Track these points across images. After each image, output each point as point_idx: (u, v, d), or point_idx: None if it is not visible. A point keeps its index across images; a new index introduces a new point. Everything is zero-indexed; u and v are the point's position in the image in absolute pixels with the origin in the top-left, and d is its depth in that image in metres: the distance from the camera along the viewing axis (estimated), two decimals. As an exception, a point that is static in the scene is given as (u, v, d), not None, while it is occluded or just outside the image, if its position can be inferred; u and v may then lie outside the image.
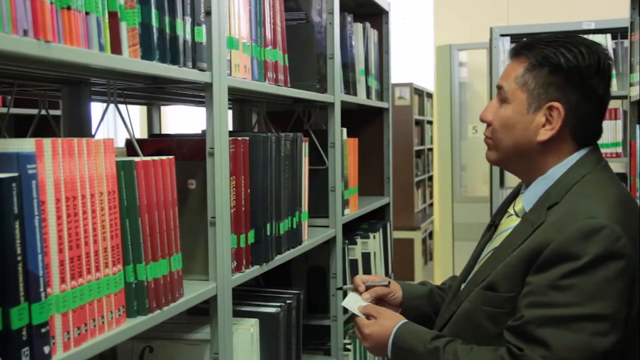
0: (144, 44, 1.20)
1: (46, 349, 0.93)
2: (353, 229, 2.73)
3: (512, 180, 3.85)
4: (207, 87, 1.44)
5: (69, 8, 0.99)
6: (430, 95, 7.74)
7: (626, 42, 3.34)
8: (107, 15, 1.10)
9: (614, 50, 3.65)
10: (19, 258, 0.87)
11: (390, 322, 1.50)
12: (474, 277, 1.47)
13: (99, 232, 1.07)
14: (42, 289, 0.92)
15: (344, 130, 2.38)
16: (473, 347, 1.36)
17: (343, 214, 2.36)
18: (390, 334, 1.47)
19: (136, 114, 4.87)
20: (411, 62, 7.80)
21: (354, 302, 1.62)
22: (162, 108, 2.50)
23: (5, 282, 0.85)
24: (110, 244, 1.11)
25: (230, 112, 2.34)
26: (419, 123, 7.39)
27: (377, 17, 3.05)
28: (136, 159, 1.19)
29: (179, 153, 1.47)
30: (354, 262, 2.56)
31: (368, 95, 2.77)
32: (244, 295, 1.77)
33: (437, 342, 1.39)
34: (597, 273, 1.26)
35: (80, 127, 1.48)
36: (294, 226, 1.88)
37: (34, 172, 0.91)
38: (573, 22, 3.76)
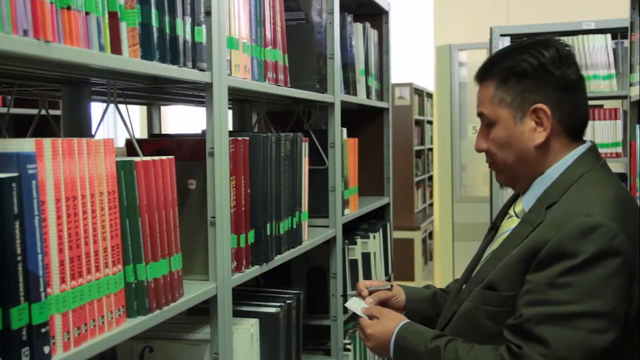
0: (144, 44, 1.20)
1: (46, 349, 0.93)
2: (353, 229, 2.73)
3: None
4: (207, 87, 1.44)
5: (69, 8, 0.99)
6: (430, 95, 7.74)
7: (626, 42, 3.34)
8: (107, 15, 1.10)
9: (614, 50, 3.65)
10: (19, 258, 0.87)
11: (393, 322, 1.51)
12: (474, 277, 1.48)
13: (99, 232, 1.07)
14: (42, 289, 0.92)
15: (344, 130, 2.38)
16: (474, 346, 1.37)
17: (343, 214, 2.36)
18: (392, 334, 1.48)
19: (136, 114, 4.87)
20: (411, 62, 7.80)
21: (357, 305, 1.63)
22: (162, 108, 2.50)
23: (5, 282, 0.85)
24: (110, 244, 1.11)
25: (230, 112, 2.34)
26: (419, 123, 7.39)
27: (377, 17, 3.05)
28: (136, 159, 1.19)
29: (179, 153, 1.47)
30: (354, 262, 2.56)
31: (368, 95, 2.77)
32: (244, 295, 1.77)
33: (438, 341, 1.40)
34: (595, 271, 1.26)
35: (80, 127, 1.48)
36: (294, 226, 1.88)
37: (34, 172, 0.91)
38: (573, 22, 3.76)
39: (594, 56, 3.64)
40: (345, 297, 2.36)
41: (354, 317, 2.47)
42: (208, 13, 1.42)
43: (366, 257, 2.67)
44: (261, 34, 1.72)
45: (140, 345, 1.52)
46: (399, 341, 1.47)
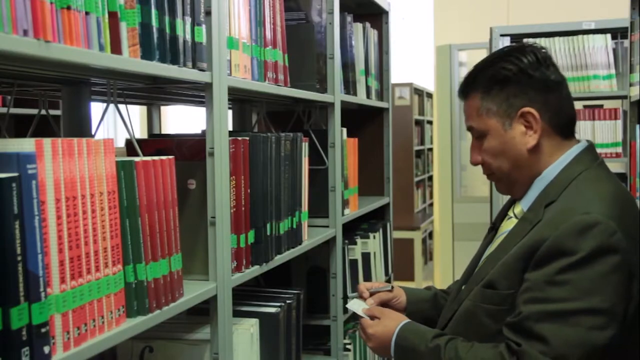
0: (144, 44, 1.20)
1: (46, 349, 0.93)
2: (353, 229, 2.73)
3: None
4: (207, 87, 1.44)
5: (69, 8, 0.99)
6: (430, 95, 7.74)
7: (626, 42, 3.34)
8: (107, 15, 1.10)
9: (614, 50, 3.65)
10: (19, 258, 0.87)
11: (393, 322, 1.51)
12: (474, 277, 1.49)
13: (99, 232, 1.07)
14: (42, 289, 0.92)
15: (344, 130, 2.38)
16: (474, 344, 1.37)
17: (343, 214, 2.36)
18: (393, 334, 1.49)
19: (136, 114, 4.87)
20: (411, 62, 7.80)
21: (358, 306, 1.64)
22: (162, 108, 2.50)
23: (5, 282, 0.85)
24: (110, 244, 1.11)
25: (230, 112, 2.34)
26: (419, 123, 7.39)
27: (377, 17, 3.05)
28: (136, 159, 1.19)
29: (179, 153, 1.47)
30: (354, 262, 2.56)
31: (368, 95, 2.77)
32: (244, 295, 1.77)
33: (439, 340, 1.40)
34: (593, 268, 1.27)
35: (80, 127, 1.48)
36: (294, 226, 1.88)
37: (34, 172, 0.91)
38: (573, 22, 3.76)
39: (594, 56, 3.64)
40: (345, 299, 2.36)
41: (354, 317, 2.47)
42: (208, 13, 1.42)
43: (366, 257, 2.67)
44: (261, 34, 1.72)
45: (140, 345, 1.52)
46: (399, 341, 1.47)
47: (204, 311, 1.48)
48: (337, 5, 2.26)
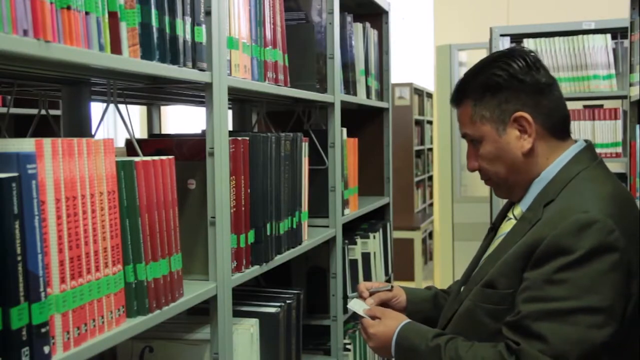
0: (144, 44, 1.20)
1: (46, 349, 0.93)
2: (353, 229, 2.73)
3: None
4: (207, 87, 1.44)
5: (69, 8, 0.99)
6: (430, 95, 7.74)
7: (626, 42, 3.34)
8: (107, 15, 1.10)
9: (614, 50, 3.65)
10: (19, 258, 0.87)
11: (394, 322, 1.52)
12: (474, 277, 1.50)
13: (99, 232, 1.07)
14: (42, 289, 0.92)
15: (344, 130, 2.38)
16: (474, 344, 1.38)
17: (343, 214, 2.36)
18: (393, 334, 1.49)
19: (136, 114, 4.87)
20: (411, 62, 7.80)
21: (359, 306, 1.64)
22: (162, 108, 2.50)
23: (5, 282, 0.85)
24: (110, 244, 1.11)
25: (230, 112, 2.34)
26: (419, 123, 7.39)
27: (377, 17, 3.05)
28: (136, 159, 1.19)
29: (179, 153, 1.47)
30: (354, 262, 2.56)
31: (368, 95, 2.77)
32: (244, 295, 1.77)
33: (439, 339, 1.41)
34: (591, 266, 1.28)
35: (80, 127, 1.48)
36: (294, 226, 1.88)
37: (34, 172, 0.91)
38: (573, 22, 3.76)
39: (594, 56, 3.64)
40: (346, 299, 2.36)
41: (354, 317, 2.48)
42: (208, 13, 1.42)
43: (366, 257, 2.67)
44: (261, 34, 1.72)
45: (140, 345, 1.52)
46: (400, 340, 1.48)
47: (204, 311, 1.48)
48: (337, 5, 2.26)
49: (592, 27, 3.67)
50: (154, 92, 1.79)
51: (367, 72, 2.77)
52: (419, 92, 7.37)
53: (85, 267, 1.03)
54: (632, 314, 1.31)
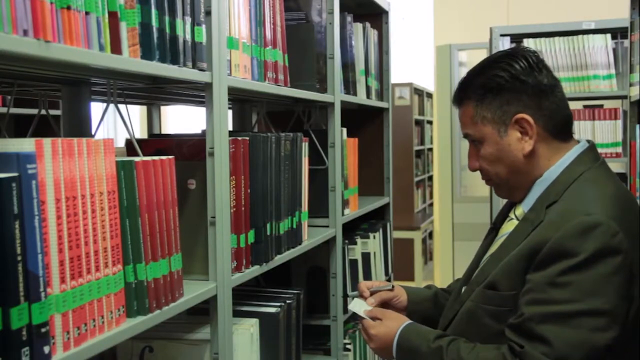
0: (144, 43, 1.20)
1: (46, 349, 0.93)
2: (353, 229, 2.73)
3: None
4: (207, 87, 1.44)
5: (69, 8, 0.99)
6: (430, 95, 7.74)
7: (626, 42, 3.34)
8: (107, 15, 1.10)
9: (614, 50, 3.65)
10: (19, 258, 0.87)
11: (395, 323, 1.52)
12: (475, 278, 1.49)
13: (99, 232, 1.07)
14: (42, 289, 0.92)
15: (344, 130, 2.38)
16: (476, 346, 1.37)
17: (343, 214, 2.36)
18: (395, 335, 1.49)
19: (136, 114, 4.87)
20: (411, 62, 7.80)
21: (360, 306, 1.64)
22: (162, 108, 2.50)
23: (5, 282, 0.85)
24: (110, 244, 1.10)
25: (230, 112, 2.34)
26: (419, 123, 7.39)
27: (377, 17, 3.05)
28: (136, 159, 1.19)
29: (179, 153, 1.47)
30: (354, 262, 2.56)
31: (368, 95, 2.77)
32: (244, 295, 1.77)
33: (441, 341, 1.40)
34: (595, 269, 1.27)
35: (80, 127, 1.48)
36: (294, 226, 1.88)
37: (34, 172, 0.91)
38: (573, 22, 3.76)
39: (594, 56, 3.64)
40: (346, 299, 2.36)
41: (354, 317, 2.47)
42: (208, 13, 1.42)
43: (366, 257, 2.67)
44: (261, 34, 1.72)
45: (140, 345, 1.52)
46: (401, 341, 1.48)
47: (204, 311, 1.48)
48: (337, 5, 2.26)
49: (592, 27, 3.67)
50: (154, 92, 1.79)
51: (367, 72, 2.77)
52: (419, 92, 7.37)
53: (85, 267, 1.03)
54: (634, 317, 1.31)
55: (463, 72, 5.88)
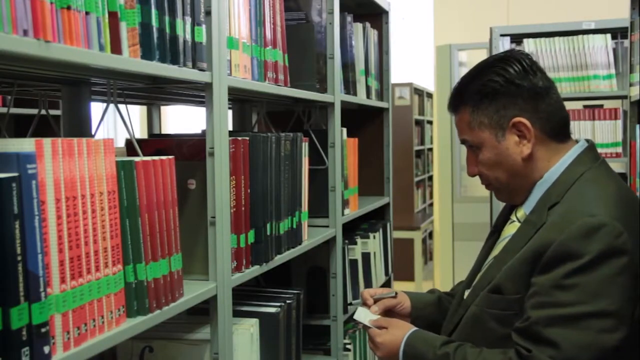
0: (144, 43, 1.20)
1: (46, 349, 0.93)
2: (353, 229, 2.73)
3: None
4: (207, 87, 1.44)
5: (69, 8, 0.99)
6: (430, 95, 7.74)
7: (626, 42, 3.34)
8: (107, 15, 1.10)
9: (614, 50, 3.65)
10: (19, 258, 0.87)
11: (401, 330, 1.52)
12: (479, 281, 1.49)
13: (99, 232, 1.07)
14: (42, 289, 0.92)
15: (344, 130, 2.38)
16: (482, 350, 1.37)
17: (343, 214, 2.36)
18: (401, 343, 1.49)
19: (136, 114, 4.87)
20: (411, 62, 7.80)
21: (365, 315, 1.64)
22: (162, 108, 2.50)
23: (5, 282, 0.85)
24: (110, 243, 1.10)
25: (230, 112, 2.34)
26: (419, 123, 7.39)
27: (377, 17, 3.05)
28: (136, 159, 1.19)
29: (179, 153, 1.47)
30: (354, 262, 2.56)
31: (368, 95, 2.77)
32: (244, 295, 1.77)
33: (447, 347, 1.40)
34: (600, 270, 1.27)
35: (80, 127, 1.48)
36: (294, 226, 1.88)
37: (34, 172, 0.91)
38: (573, 22, 3.76)
39: (594, 56, 3.64)
40: (346, 299, 2.36)
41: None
42: (208, 13, 1.42)
43: (366, 257, 2.67)
44: (261, 34, 1.72)
45: (140, 345, 1.52)
46: (407, 349, 1.47)
47: (204, 311, 1.48)
48: (337, 5, 2.26)
49: (592, 27, 3.67)
50: (154, 92, 1.79)
51: (367, 72, 2.77)
52: (419, 92, 7.37)
53: (85, 267, 1.03)
54: (639, 317, 1.31)
55: (463, 72, 5.87)
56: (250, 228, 1.61)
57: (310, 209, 2.04)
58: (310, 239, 2.03)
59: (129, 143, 1.48)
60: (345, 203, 2.39)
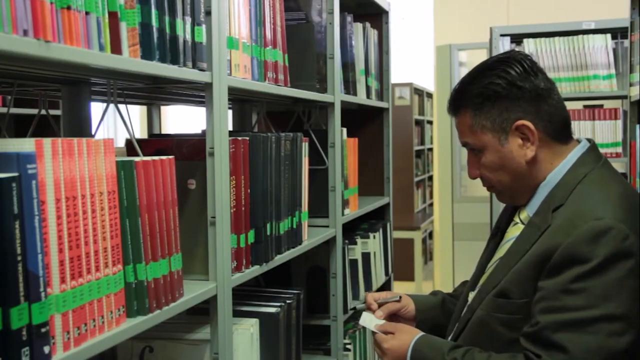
0: (144, 43, 1.20)
1: (46, 349, 0.93)
2: (353, 229, 2.73)
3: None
4: (207, 87, 1.44)
5: (69, 8, 0.99)
6: (430, 95, 7.74)
7: (626, 42, 3.34)
8: (107, 15, 1.10)
9: (614, 50, 3.65)
10: (19, 258, 0.87)
11: (408, 336, 1.51)
12: (484, 285, 1.48)
13: (99, 232, 1.07)
14: (42, 289, 0.92)
15: (344, 130, 2.38)
16: (491, 355, 1.36)
17: (343, 214, 2.36)
18: (408, 348, 1.48)
19: (136, 114, 4.87)
20: (411, 62, 7.80)
21: (370, 321, 1.63)
22: (162, 108, 2.50)
23: (5, 282, 0.85)
24: (110, 243, 1.10)
25: (230, 112, 2.34)
26: (419, 123, 7.39)
27: (377, 17, 3.05)
28: (136, 159, 1.19)
29: (179, 153, 1.47)
30: (354, 262, 2.56)
31: (368, 95, 2.77)
32: (244, 295, 1.77)
33: (455, 352, 1.40)
34: (608, 274, 1.26)
35: (80, 127, 1.48)
36: (294, 226, 1.88)
37: (34, 172, 0.91)
38: (573, 22, 3.76)
39: (594, 56, 3.64)
40: (346, 299, 2.36)
41: (354, 317, 2.47)
42: (208, 13, 1.42)
43: (366, 257, 2.67)
44: (261, 34, 1.72)
45: (140, 345, 1.52)
46: (415, 355, 1.47)
47: (204, 311, 1.48)
48: (337, 5, 2.26)
49: (592, 27, 3.67)
50: (154, 92, 1.79)
51: (367, 72, 2.77)
52: (419, 92, 7.37)
53: (85, 267, 1.03)
54: None
55: (463, 72, 5.89)
56: (250, 228, 1.61)
57: (310, 209, 2.04)
58: (310, 239, 2.03)
59: (129, 143, 1.48)
60: (345, 203, 2.39)
